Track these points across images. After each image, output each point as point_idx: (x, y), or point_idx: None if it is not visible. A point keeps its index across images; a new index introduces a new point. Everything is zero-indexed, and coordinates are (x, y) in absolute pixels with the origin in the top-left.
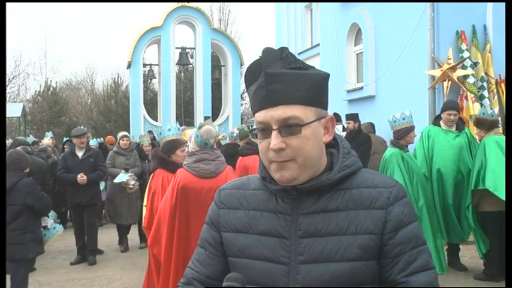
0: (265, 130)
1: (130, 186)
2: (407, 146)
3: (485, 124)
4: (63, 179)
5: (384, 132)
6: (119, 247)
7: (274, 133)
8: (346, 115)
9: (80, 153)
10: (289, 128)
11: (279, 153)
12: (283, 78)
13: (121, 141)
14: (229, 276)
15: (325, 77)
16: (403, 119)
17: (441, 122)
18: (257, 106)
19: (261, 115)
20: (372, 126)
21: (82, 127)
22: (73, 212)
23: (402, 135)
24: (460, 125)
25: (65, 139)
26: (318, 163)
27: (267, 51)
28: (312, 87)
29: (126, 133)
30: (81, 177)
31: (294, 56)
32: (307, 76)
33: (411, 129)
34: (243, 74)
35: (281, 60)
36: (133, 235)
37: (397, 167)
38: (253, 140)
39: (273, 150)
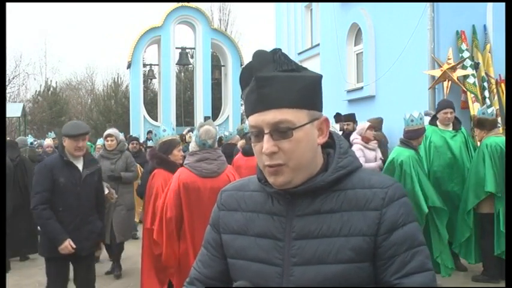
0: (258, 134)
1: (113, 196)
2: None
3: (486, 124)
4: (44, 225)
5: (385, 131)
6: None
7: (266, 137)
8: (344, 116)
9: (79, 165)
10: (280, 131)
11: (271, 157)
12: (274, 82)
13: (105, 142)
14: (238, 284)
15: (317, 78)
16: (420, 119)
17: (438, 122)
18: (249, 110)
19: (253, 119)
20: (381, 122)
21: (79, 121)
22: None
23: (418, 135)
24: (456, 124)
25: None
26: (312, 165)
27: (258, 54)
28: (303, 90)
29: (110, 131)
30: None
31: (287, 58)
32: (299, 79)
33: (424, 130)
34: None
35: (273, 62)
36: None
37: (421, 172)
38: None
39: (265, 154)
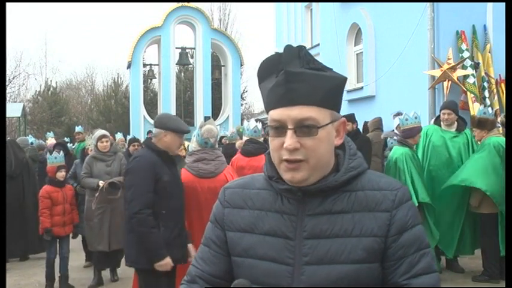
0: (279, 128)
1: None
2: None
3: (487, 124)
4: (147, 234)
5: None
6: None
7: (289, 133)
8: (343, 116)
9: None
10: (305, 128)
11: (292, 153)
12: (303, 78)
13: (99, 144)
14: (237, 282)
15: (343, 81)
16: (415, 118)
17: (441, 122)
18: (273, 104)
19: (277, 113)
20: (380, 122)
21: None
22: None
23: (413, 133)
24: (461, 125)
25: (66, 139)
26: (328, 165)
27: (288, 49)
28: (330, 90)
29: (105, 132)
30: None
31: (312, 56)
32: (327, 78)
33: (420, 129)
34: (243, 73)
35: (299, 58)
36: None
37: (413, 168)
38: (255, 138)
39: (287, 150)
